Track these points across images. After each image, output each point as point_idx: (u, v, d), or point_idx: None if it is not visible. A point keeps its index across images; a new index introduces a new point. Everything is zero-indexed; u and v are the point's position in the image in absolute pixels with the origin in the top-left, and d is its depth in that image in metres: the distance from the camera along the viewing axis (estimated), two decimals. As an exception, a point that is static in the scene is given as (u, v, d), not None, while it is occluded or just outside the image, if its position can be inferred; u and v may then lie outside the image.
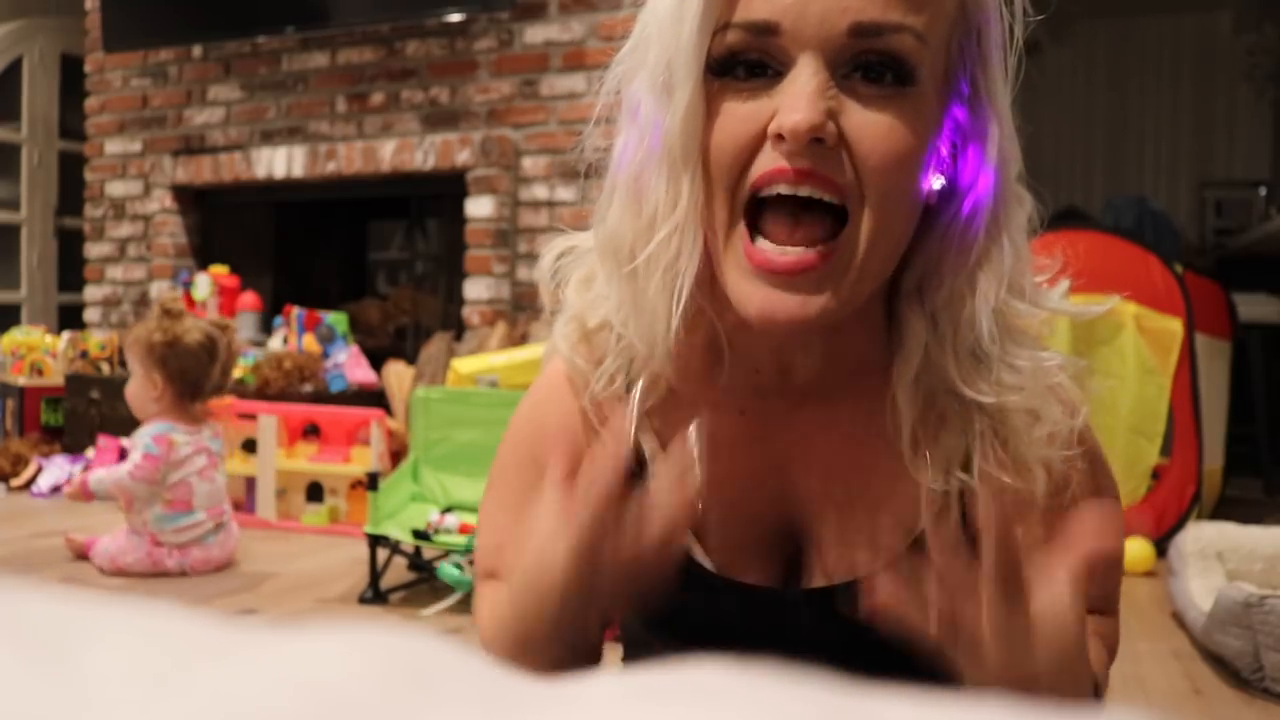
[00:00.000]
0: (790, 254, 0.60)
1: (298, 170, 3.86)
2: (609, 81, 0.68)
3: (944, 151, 0.64)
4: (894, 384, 0.67)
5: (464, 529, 2.07)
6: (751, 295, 0.61)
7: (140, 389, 2.29)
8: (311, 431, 2.81)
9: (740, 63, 0.61)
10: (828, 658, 0.69)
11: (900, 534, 0.71)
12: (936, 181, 0.64)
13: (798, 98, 0.58)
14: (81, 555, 2.33)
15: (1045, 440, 0.66)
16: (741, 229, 0.61)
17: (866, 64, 0.59)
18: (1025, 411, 0.66)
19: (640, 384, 0.71)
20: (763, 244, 0.60)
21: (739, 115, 0.60)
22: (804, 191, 0.59)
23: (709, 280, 0.66)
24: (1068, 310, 0.69)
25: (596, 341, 0.72)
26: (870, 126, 0.59)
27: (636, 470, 0.72)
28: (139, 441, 2.25)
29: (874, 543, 0.71)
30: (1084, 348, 2.42)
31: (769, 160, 0.60)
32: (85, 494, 2.28)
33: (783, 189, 0.59)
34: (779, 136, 0.59)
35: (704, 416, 0.71)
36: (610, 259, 0.67)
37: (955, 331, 0.65)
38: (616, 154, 0.67)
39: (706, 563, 0.73)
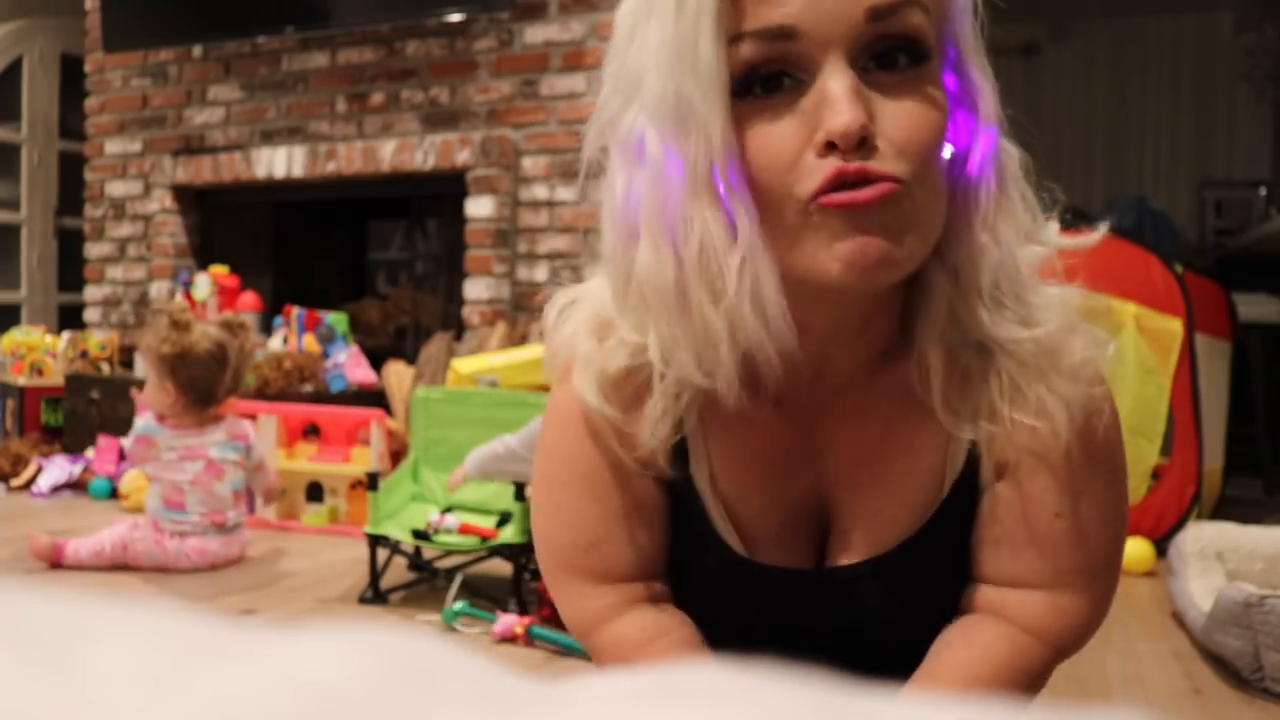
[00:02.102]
0: (865, 191, 0.59)
1: (298, 170, 3.86)
2: (591, 133, 0.66)
3: None
4: (922, 343, 0.68)
5: (464, 529, 2.07)
6: (839, 251, 0.59)
7: (155, 395, 2.34)
8: (311, 431, 2.81)
9: (757, 79, 0.60)
10: (854, 635, 0.71)
11: (923, 508, 0.72)
12: (946, 149, 0.65)
13: (838, 101, 0.58)
14: (53, 561, 2.25)
15: (1068, 376, 0.66)
16: (810, 210, 0.60)
17: (881, 52, 0.60)
18: (1047, 350, 0.67)
19: (685, 400, 0.70)
20: (838, 192, 0.59)
21: (775, 138, 0.60)
22: (863, 195, 0.59)
23: None
24: (1066, 244, 0.70)
25: (624, 387, 0.71)
26: (902, 117, 0.60)
27: (681, 459, 0.73)
28: (131, 433, 2.37)
29: (896, 520, 0.72)
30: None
31: (821, 169, 0.59)
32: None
33: (842, 197, 0.59)
34: (829, 144, 0.58)
35: (742, 410, 0.71)
36: (651, 302, 0.65)
37: (978, 280, 0.66)
38: (620, 197, 0.65)
39: (741, 550, 0.74)
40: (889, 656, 0.72)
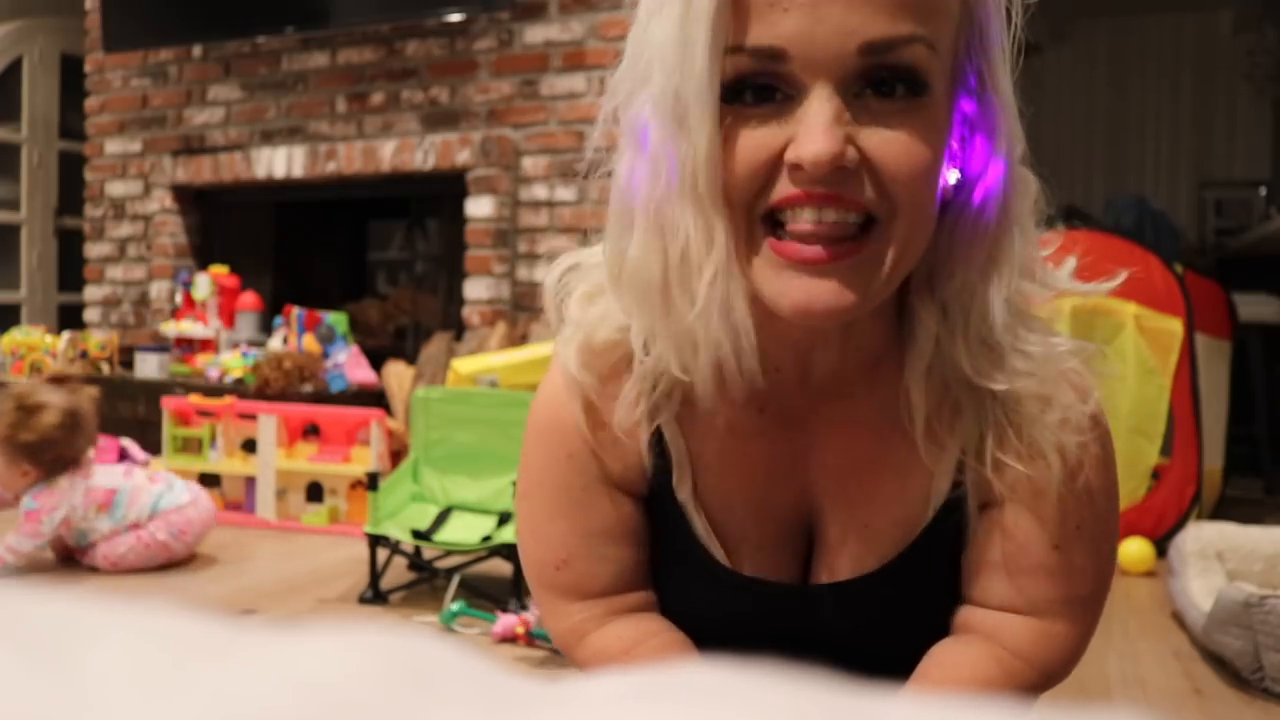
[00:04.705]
0: (815, 249, 0.60)
1: (298, 170, 3.85)
2: (606, 105, 0.67)
3: (954, 145, 0.64)
4: (906, 376, 0.68)
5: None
6: (786, 289, 0.60)
7: (11, 478, 2.23)
8: (311, 431, 2.81)
9: (749, 87, 0.60)
10: (838, 651, 0.70)
11: (909, 528, 0.72)
12: (952, 176, 0.64)
13: (814, 128, 0.57)
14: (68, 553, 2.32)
15: (1058, 425, 0.66)
16: (767, 225, 0.61)
17: (878, 79, 0.59)
18: (1037, 397, 0.66)
19: (660, 390, 0.70)
20: (789, 241, 0.60)
21: (753, 142, 0.60)
22: (829, 216, 0.59)
23: None
24: (1077, 289, 0.70)
25: (606, 358, 0.71)
26: (890, 144, 0.59)
27: (662, 469, 0.72)
28: (21, 505, 2.22)
29: (882, 538, 0.72)
30: (1084, 348, 2.42)
31: (788, 186, 0.59)
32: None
33: (807, 216, 0.59)
34: (797, 166, 0.58)
35: (725, 415, 0.71)
36: (637, 291, 0.66)
37: (966, 321, 0.65)
38: (624, 180, 0.66)
39: (724, 559, 0.73)
40: (876, 673, 0.72)
